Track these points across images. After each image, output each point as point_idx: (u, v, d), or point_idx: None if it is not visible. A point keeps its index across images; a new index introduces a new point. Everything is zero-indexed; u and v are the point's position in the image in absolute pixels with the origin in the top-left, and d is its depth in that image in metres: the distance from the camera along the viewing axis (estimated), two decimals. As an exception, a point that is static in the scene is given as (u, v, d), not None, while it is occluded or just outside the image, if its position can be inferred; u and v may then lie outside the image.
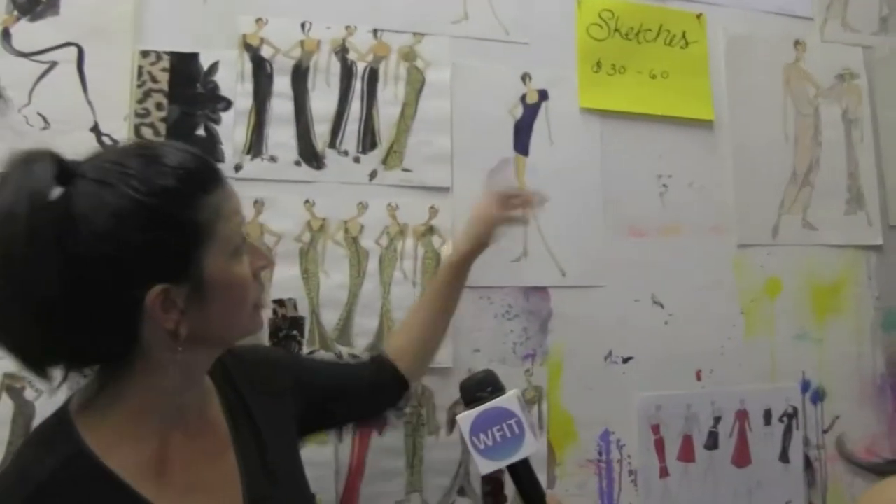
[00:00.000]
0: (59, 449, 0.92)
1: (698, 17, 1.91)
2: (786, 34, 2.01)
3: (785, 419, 1.89)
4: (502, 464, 1.07)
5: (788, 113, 1.97)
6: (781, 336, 1.92)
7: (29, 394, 1.46)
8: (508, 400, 1.08)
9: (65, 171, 0.89)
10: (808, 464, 1.90)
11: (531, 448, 1.06)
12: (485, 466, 1.07)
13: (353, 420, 1.53)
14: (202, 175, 0.95)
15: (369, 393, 1.40)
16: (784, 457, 1.89)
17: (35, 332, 0.87)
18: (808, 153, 1.97)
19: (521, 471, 1.08)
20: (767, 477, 1.87)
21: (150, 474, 0.96)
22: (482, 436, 1.06)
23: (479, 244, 1.49)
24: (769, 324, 1.91)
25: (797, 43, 2.00)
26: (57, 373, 0.94)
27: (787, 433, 1.89)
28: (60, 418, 0.97)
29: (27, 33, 1.53)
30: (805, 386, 1.92)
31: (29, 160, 0.88)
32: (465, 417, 1.08)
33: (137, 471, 0.95)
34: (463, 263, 1.49)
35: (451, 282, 1.49)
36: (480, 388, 1.11)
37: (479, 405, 1.08)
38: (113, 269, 0.88)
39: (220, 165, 1.51)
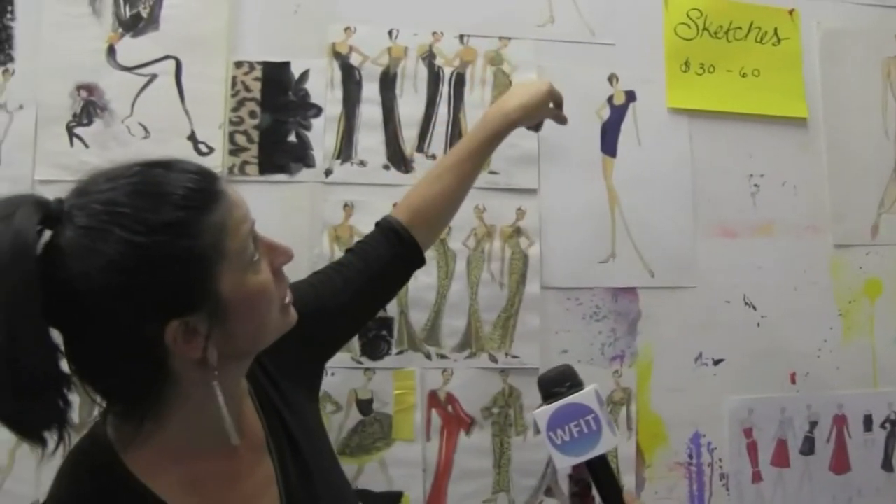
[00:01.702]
0: (101, 476, 0.88)
1: (791, 12, 1.76)
2: (886, 26, 1.83)
3: (888, 425, 1.74)
4: (579, 459, 0.99)
5: (889, 108, 1.80)
6: (883, 339, 1.76)
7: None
8: (586, 396, 1.00)
9: (49, 216, 0.79)
10: (913, 473, 1.74)
11: (608, 444, 0.98)
12: (561, 462, 1.00)
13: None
14: (201, 195, 0.84)
15: (390, 276, 1.27)
16: (887, 465, 1.73)
17: (38, 396, 0.77)
18: (910, 149, 1.81)
19: (599, 467, 1.00)
20: (869, 485, 1.72)
21: (192, 492, 0.92)
22: (559, 431, 0.99)
23: (528, 118, 1.37)
24: (869, 326, 1.75)
25: (899, 34, 1.83)
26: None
27: (891, 440, 1.74)
28: (100, 446, 0.90)
29: (130, 48, 1.53)
30: (909, 390, 1.76)
31: (8, 210, 0.77)
32: (543, 413, 1.01)
33: (180, 491, 0.91)
34: (505, 132, 1.35)
35: (486, 149, 1.35)
36: (558, 383, 1.03)
37: (557, 400, 1.01)
38: (120, 319, 0.79)
39: (311, 171, 1.55)
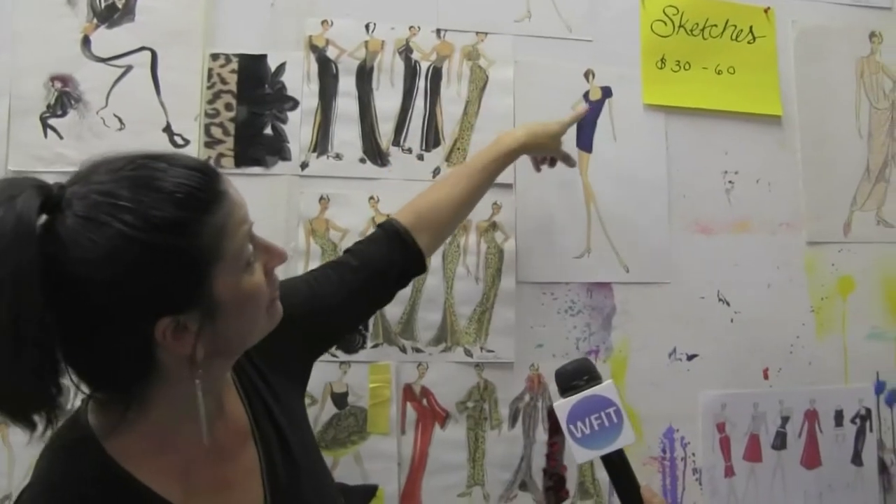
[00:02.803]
0: (82, 461, 0.88)
1: (766, 10, 1.76)
2: (861, 26, 1.83)
3: (858, 421, 1.74)
4: (599, 453, 0.97)
5: (862, 107, 1.80)
6: (854, 336, 1.76)
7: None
8: (607, 388, 0.99)
9: (49, 201, 0.78)
10: (882, 467, 1.74)
11: (629, 438, 0.97)
12: (581, 455, 0.98)
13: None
14: (202, 195, 0.83)
15: (389, 280, 1.26)
16: (857, 460, 1.73)
17: (34, 380, 0.77)
18: (883, 148, 1.80)
19: (617, 461, 0.98)
20: (839, 480, 1.72)
21: (173, 478, 0.91)
22: (579, 424, 0.98)
23: (537, 145, 1.45)
24: (841, 323, 1.75)
25: (873, 35, 1.82)
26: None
27: (860, 435, 1.74)
28: (81, 432, 0.89)
29: (105, 39, 1.51)
30: (880, 387, 1.76)
31: (10, 194, 0.76)
32: (563, 405, 0.99)
33: (161, 476, 0.90)
34: (516, 154, 1.42)
35: (494, 166, 1.40)
36: (577, 376, 1.02)
37: (577, 393, 1.00)
38: (112, 312, 0.79)
39: (287, 164, 1.54)
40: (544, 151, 1.52)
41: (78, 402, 0.90)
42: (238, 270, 0.86)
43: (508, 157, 1.42)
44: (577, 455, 0.98)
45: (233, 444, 1.00)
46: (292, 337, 1.04)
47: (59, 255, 0.76)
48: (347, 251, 1.26)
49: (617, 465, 0.98)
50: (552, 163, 1.57)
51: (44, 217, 0.77)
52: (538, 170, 1.58)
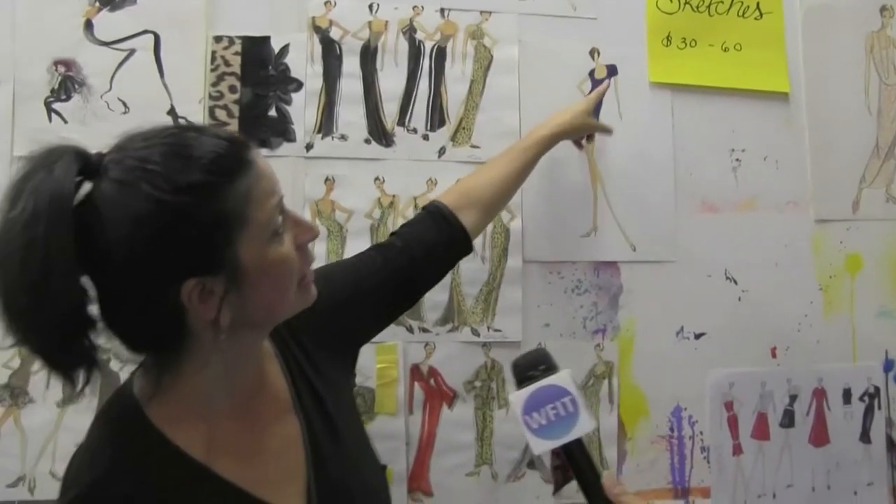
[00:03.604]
0: (127, 428, 0.92)
1: (774, -14, 1.74)
2: (871, 0, 1.80)
3: (866, 398, 1.73)
4: (556, 443, 0.97)
5: (871, 83, 1.77)
6: (863, 314, 1.74)
7: (114, 365, 1.45)
8: (562, 378, 0.99)
9: (88, 168, 0.84)
10: (891, 445, 1.73)
11: (586, 427, 0.96)
12: (538, 446, 0.98)
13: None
14: (230, 162, 0.86)
15: (434, 260, 1.28)
16: (865, 437, 1.72)
17: (66, 334, 0.82)
18: (893, 125, 1.77)
19: (576, 450, 0.98)
20: (847, 457, 1.71)
21: (212, 446, 0.94)
22: (535, 414, 0.97)
23: (572, 128, 1.48)
24: (849, 301, 1.74)
25: (884, 9, 1.78)
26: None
27: (869, 413, 1.73)
28: (125, 399, 0.95)
29: (108, 23, 1.51)
30: (888, 365, 1.75)
31: (51, 159, 0.82)
32: (518, 396, 0.99)
33: (202, 445, 0.93)
34: (554, 139, 1.46)
35: (537, 154, 1.44)
36: (533, 366, 1.02)
37: (532, 383, 1.00)
38: (142, 270, 0.83)
39: (291, 145, 1.53)
40: (581, 131, 1.54)
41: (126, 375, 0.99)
42: (265, 239, 0.88)
43: (549, 144, 1.46)
44: (533, 446, 0.98)
45: (273, 414, 1.03)
46: (339, 317, 1.08)
47: (94, 218, 0.81)
48: (393, 234, 1.29)
49: (576, 454, 0.98)
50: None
51: (85, 185, 0.83)
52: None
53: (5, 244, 0.79)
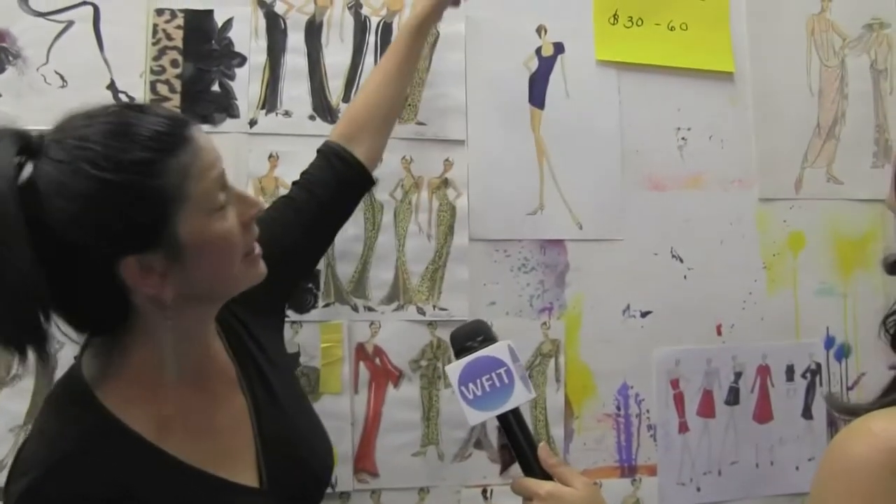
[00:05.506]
0: (79, 412, 0.93)
1: (718, -34, 1.76)
2: (812, -17, 1.82)
3: (808, 375, 1.76)
4: (491, 414, 0.98)
5: (812, 64, 1.80)
6: (805, 291, 1.77)
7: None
8: (497, 349, 0.99)
9: (28, 148, 0.86)
10: (831, 421, 1.75)
11: (521, 398, 0.98)
12: (473, 417, 0.99)
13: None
14: (168, 138, 0.88)
15: (339, 200, 1.31)
16: (807, 413, 1.75)
17: (15, 308, 0.83)
18: (833, 105, 1.80)
19: (512, 421, 0.99)
20: (790, 433, 1.73)
21: (164, 426, 0.96)
22: (471, 385, 0.98)
23: (437, 5, 1.41)
24: (792, 279, 1.76)
25: (823, -8, 1.82)
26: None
27: (811, 390, 1.75)
28: (76, 382, 0.96)
29: (44, -7, 1.46)
30: (829, 342, 1.78)
31: None
32: (454, 367, 1.00)
33: (153, 425, 0.95)
34: (422, 27, 1.41)
35: (411, 48, 1.41)
36: (470, 337, 1.03)
37: (468, 354, 1.00)
38: (81, 248, 0.85)
39: (235, 121, 1.50)
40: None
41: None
42: (205, 214, 0.90)
43: (420, 34, 1.42)
44: (469, 417, 0.99)
45: (222, 391, 1.06)
46: (266, 278, 1.06)
47: (36, 198, 0.83)
48: (294, 183, 1.30)
49: (511, 425, 1.00)
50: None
51: (28, 165, 0.85)
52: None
53: None
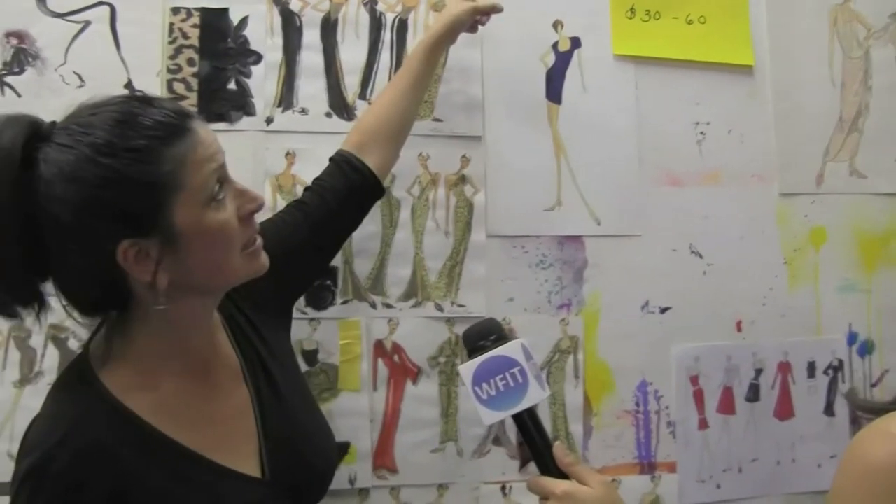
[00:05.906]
0: (82, 395, 0.96)
1: (737, -42, 1.73)
2: (834, -27, 1.79)
3: (830, 372, 1.74)
4: (505, 414, 0.98)
5: (835, 56, 1.77)
6: (827, 287, 1.75)
7: (72, 344, 1.44)
8: (511, 348, 0.98)
9: (39, 135, 0.89)
10: (854, 418, 1.73)
11: (536, 397, 0.97)
12: (488, 417, 0.98)
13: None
14: (167, 128, 0.91)
15: (349, 207, 1.33)
16: (829, 410, 1.73)
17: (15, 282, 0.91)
18: (856, 98, 1.77)
19: (527, 420, 0.99)
20: (811, 430, 1.72)
21: (166, 412, 0.98)
22: (484, 385, 0.98)
23: (453, 27, 1.43)
24: (814, 275, 1.74)
25: (847, -19, 1.79)
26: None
27: (833, 386, 1.74)
28: (81, 366, 0.99)
29: (61, -6, 1.47)
30: (851, 338, 1.75)
31: (4, 126, 0.88)
32: (467, 367, 0.99)
33: (154, 409, 0.97)
34: (436, 47, 1.43)
35: (425, 67, 1.42)
36: (483, 336, 1.02)
37: (482, 354, 1.00)
38: (78, 230, 0.88)
39: (251, 119, 1.51)
40: (461, 19, 1.44)
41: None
42: (201, 204, 0.92)
43: (436, 53, 1.44)
44: (483, 417, 0.98)
45: (225, 382, 1.09)
46: (271, 277, 1.07)
47: (38, 180, 0.87)
48: (306, 188, 1.32)
49: (526, 424, 0.99)
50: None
51: (29, 152, 0.88)
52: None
53: None
